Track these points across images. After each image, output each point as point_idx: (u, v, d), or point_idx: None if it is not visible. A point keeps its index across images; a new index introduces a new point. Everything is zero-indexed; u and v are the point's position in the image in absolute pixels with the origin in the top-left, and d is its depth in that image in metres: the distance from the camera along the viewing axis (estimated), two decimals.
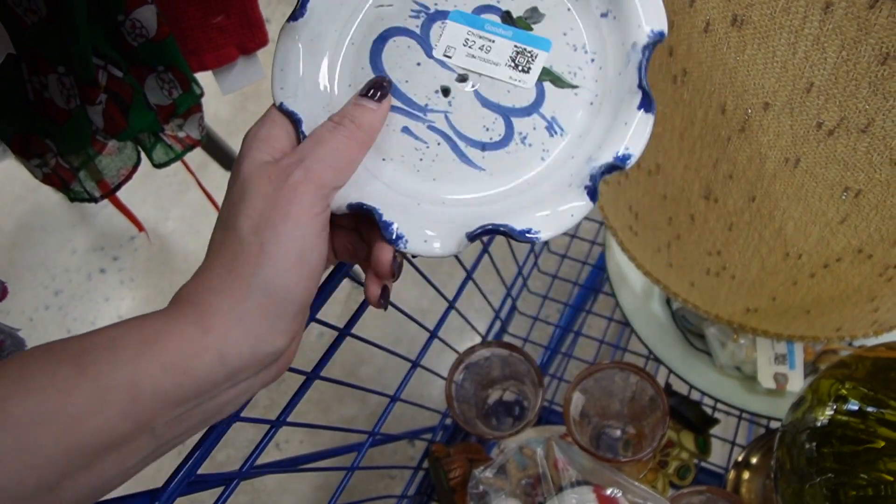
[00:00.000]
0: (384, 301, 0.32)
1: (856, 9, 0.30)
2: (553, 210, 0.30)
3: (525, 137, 0.32)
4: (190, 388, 0.26)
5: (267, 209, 0.28)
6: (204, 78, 0.60)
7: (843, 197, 0.41)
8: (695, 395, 0.72)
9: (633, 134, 0.30)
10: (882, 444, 0.46)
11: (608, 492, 0.49)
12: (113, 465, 0.25)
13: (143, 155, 0.54)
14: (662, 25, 0.30)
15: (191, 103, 0.50)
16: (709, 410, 0.73)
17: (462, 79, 0.32)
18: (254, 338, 0.27)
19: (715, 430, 0.71)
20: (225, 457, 1.21)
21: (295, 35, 0.32)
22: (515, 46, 0.32)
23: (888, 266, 0.47)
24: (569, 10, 0.32)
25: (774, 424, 0.70)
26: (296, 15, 0.32)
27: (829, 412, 0.50)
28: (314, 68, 0.33)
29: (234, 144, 1.74)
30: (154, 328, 0.26)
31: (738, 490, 0.68)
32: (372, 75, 0.33)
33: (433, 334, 0.57)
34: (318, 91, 0.33)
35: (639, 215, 0.62)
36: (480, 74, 0.32)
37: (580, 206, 0.30)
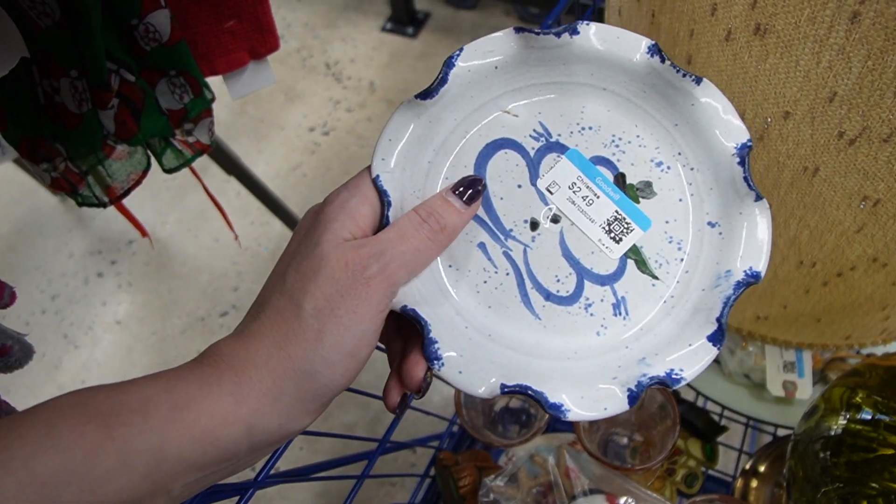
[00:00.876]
0: (401, 410, 0.31)
1: (884, 19, 0.30)
2: (590, 395, 0.28)
3: (590, 305, 0.31)
4: (213, 456, 0.26)
5: (336, 296, 0.27)
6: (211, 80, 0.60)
7: (862, 206, 0.41)
8: (701, 403, 0.72)
9: (691, 359, 0.29)
10: (893, 451, 0.46)
11: (621, 500, 0.49)
12: None
13: (153, 160, 0.54)
14: (760, 268, 0.29)
15: (202, 108, 0.50)
16: (716, 418, 0.73)
17: (555, 219, 0.32)
18: (285, 417, 0.27)
19: (722, 438, 0.71)
20: None
21: (418, 112, 0.31)
22: (617, 212, 0.31)
23: None
24: (681, 200, 0.31)
25: (782, 432, 0.70)
26: (428, 94, 0.30)
27: (841, 421, 0.50)
28: (422, 152, 0.31)
29: (234, 148, 1.73)
30: (188, 394, 0.25)
31: (746, 498, 0.68)
32: (468, 168, 0.32)
33: None
34: (415, 175, 0.31)
35: None
36: (573, 223, 0.31)
37: (617, 404, 0.28)
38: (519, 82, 0.32)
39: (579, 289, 0.31)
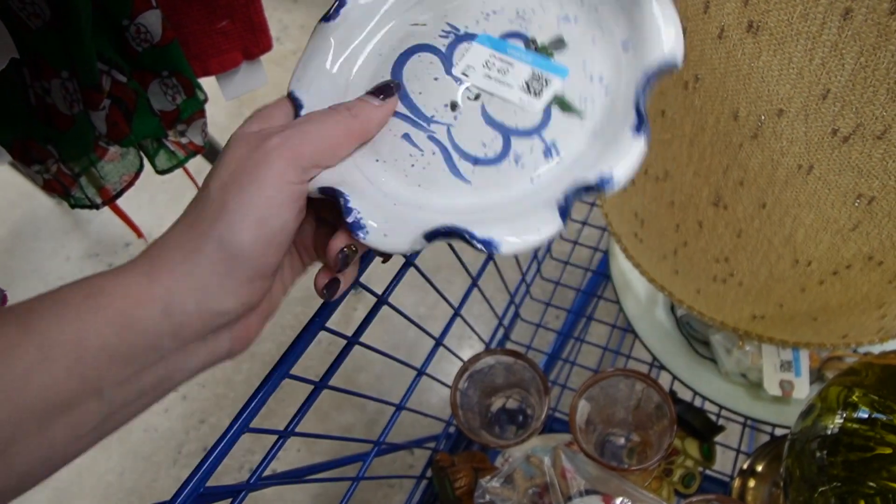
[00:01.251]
0: (327, 291, 0.32)
1: (876, 15, 0.29)
2: (520, 225, 0.29)
3: (519, 158, 0.32)
4: (134, 341, 0.25)
5: (238, 170, 0.28)
6: (203, 83, 0.59)
7: (856, 204, 0.40)
8: (698, 402, 0.72)
9: (620, 156, 0.29)
10: (890, 451, 0.46)
11: (617, 501, 0.49)
12: (64, 430, 0.24)
13: (145, 161, 0.53)
14: (675, 53, 0.30)
15: (194, 109, 0.49)
16: (713, 418, 0.72)
17: (476, 97, 0.33)
18: (200, 293, 0.27)
19: (719, 438, 0.70)
20: (221, 466, 1.20)
21: (327, 33, 0.33)
22: (532, 72, 0.33)
23: None
24: (593, 40, 0.32)
25: (779, 432, 0.70)
26: (329, 16, 0.33)
27: (838, 420, 0.50)
28: (335, 67, 0.34)
29: None
30: (101, 281, 0.26)
31: (744, 498, 0.68)
32: (386, 73, 0.34)
33: (438, 342, 0.56)
34: (332, 89, 0.33)
35: (645, 222, 0.61)
36: (492, 94, 0.33)
37: (549, 224, 0.28)
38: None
39: (506, 147, 0.32)
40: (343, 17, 0.33)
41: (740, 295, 0.58)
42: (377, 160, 0.32)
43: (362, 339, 0.43)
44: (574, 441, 0.60)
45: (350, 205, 0.30)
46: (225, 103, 1.83)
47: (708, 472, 0.72)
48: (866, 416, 0.48)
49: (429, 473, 0.67)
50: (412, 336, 1.25)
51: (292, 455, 1.19)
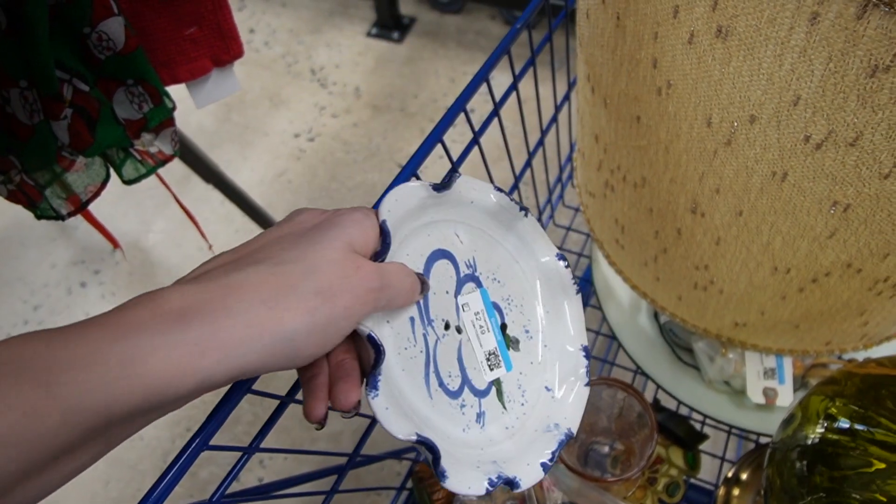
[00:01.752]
0: (321, 426, 0.32)
1: (843, 20, 0.29)
2: (460, 474, 0.35)
3: (464, 406, 0.38)
4: (159, 406, 0.25)
5: (338, 289, 0.29)
6: (182, 90, 0.58)
7: (832, 211, 0.40)
8: (683, 410, 0.71)
9: (528, 474, 0.38)
10: (875, 465, 0.45)
11: None
12: (66, 467, 0.24)
13: (112, 171, 0.52)
14: (574, 430, 0.42)
15: (162, 117, 0.48)
16: (697, 426, 0.72)
17: (458, 330, 0.39)
18: (239, 373, 0.27)
19: (704, 446, 0.70)
20: (208, 474, 1.18)
21: (420, 194, 0.38)
22: (495, 348, 0.41)
23: (877, 280, 0.46)
24: (531, 363, 0.43)
25: (765, 439, 0.69)
26: (443, 187, 0.39)
27: (819, 430, 0.49)
28: (405, 225, 0.37)
29: (218, 155, 1.72)
30: (140, 345, 0.24)
31: None
32: (421, 261, 0.38)
33: None
34: (396, 237, 0.36)
35: (625, 228, 0.61)
36: (468, 340, 0.40)
37: (479, 488, 0.35)
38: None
39: (460, 390, 0.38)
40: (445, 194, 0.39)
41: (721, 302, 0.57)
42: (387, 322, 0.35)
43: None
44: None
45: (382, 366, 0.33)
46: (213, 108, 1.82)
47: (693, 480, 0.71)
48: (847, 426, 0.47)
49: (409, 484, 0.66)
50: None
51: (279, 464, 1.18)
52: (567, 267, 0.45)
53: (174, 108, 0.50)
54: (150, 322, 0.24)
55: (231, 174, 1.61)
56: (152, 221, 1.57)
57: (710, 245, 0.51)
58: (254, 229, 1.50)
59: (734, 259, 0.50)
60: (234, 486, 1.16)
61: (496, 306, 0.42)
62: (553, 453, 0.39)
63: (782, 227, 0.43)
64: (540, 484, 0.54)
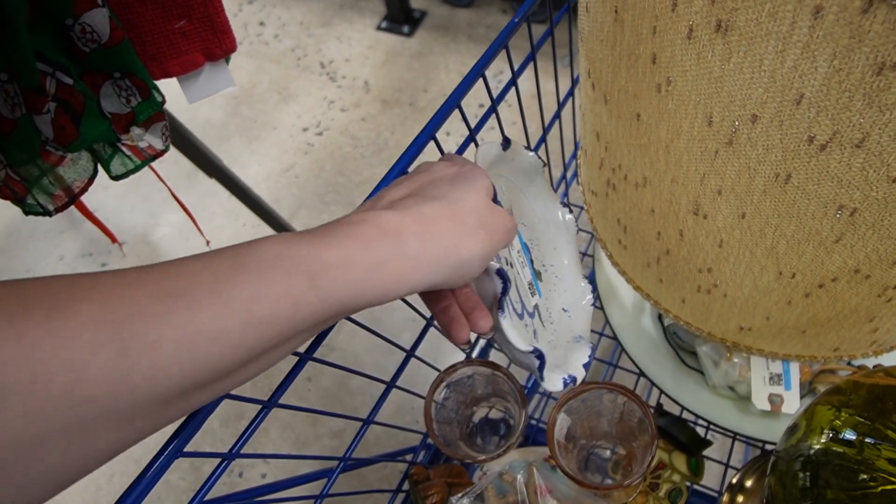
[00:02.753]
0: (470, 343, 0.41)
1: (848, 14, 0.27)
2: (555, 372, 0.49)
3: (526, 326, 0.49)
4: (382, 300, 0.30)
5: (487, 223, 0.36)
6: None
7: (838, 215, 0.38)
8: (687, 415, 0.69)
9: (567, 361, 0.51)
10: (881, 480, 0.43)
11: None
12: (223, 386, 0.27)
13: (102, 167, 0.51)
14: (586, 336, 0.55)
15: (151, 111, 0.47)
16: (702, 431, 0.70)
17: (511, 265, 0.47)
18: (429, 283, 0.33)
19: (708, 451, 0.68)
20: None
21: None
22: (531, 279, 0.51)
23: (887, 286, 0.44)
24: (550, 290, 0.55)
25: (771, 446, 0.67)
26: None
27: (823, 441, 0.47)
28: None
29: (226, 149, 1.71)
30: (381, 254, 0.30)
31: None
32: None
33: (410, 353, 0.54)
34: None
35: (627, 229, 0.59)
36: (518, 273, 0.48)
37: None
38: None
39: (522, 313, 0.48)
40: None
41: (726, 306, 0.56)
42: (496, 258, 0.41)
43: (344, 345, 0.41)
44: (552, 456, 0.57)
45: (505, 294, 0.40)
46: (221, 101, 1.81)
47: (696, 486, 0.69)
48: (853, 438, 0.45)
49: (405, 486, 0.65)
50: (408, 340, 1.22)
51: (281, 462, 1.18)
52: (570, 214, 0.55)
53: (163, 102, 0.49)
54: (381, 238, 0.30)
55: (238, 169, 1.61)
56: (160, 215, 1.57)
57: (713, 248, 0.49)
58: (260, 224, 1.49)
59: (738, 262, 0.48)
60: (229, 487, 1.16)
61: (527, 246, 0.51)
62: (589, 356, 0.51)
63: (786, 230, 0.42)
64: (534, 490, 0.52)
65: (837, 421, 0.46)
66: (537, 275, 0.52)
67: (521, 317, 0.47)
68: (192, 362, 0.23)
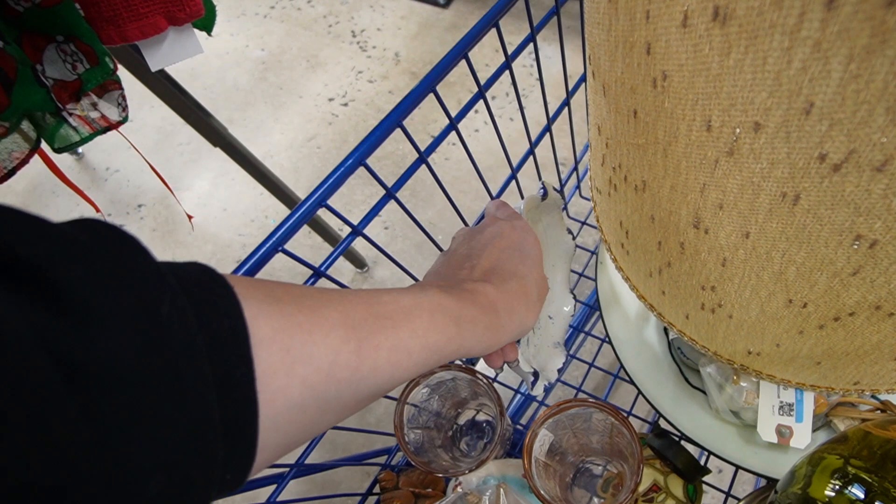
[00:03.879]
0: (502, 369, 0.48)
1: (869, 6, 0.21)
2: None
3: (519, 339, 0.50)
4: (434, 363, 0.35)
5: (541, 299, 0.47)
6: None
7: (855, 246, 0.32)
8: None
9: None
10: None
11: None
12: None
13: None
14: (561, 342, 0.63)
15: (101, 79, 0.43)
16: (702, 455, 0.64)
17: None
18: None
19: (709, 477, 0.62)
20: None
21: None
22: None
23: None
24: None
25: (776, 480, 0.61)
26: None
27: (827, 493, 0.42)
28: None
29: (250, 115, 1.68)
30: (478, 324, 0.38)
31: None
32: None
33: None
34: None
35: (629, 234, 0.53)
36: None
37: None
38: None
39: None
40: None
41: (731, 328, 0.50)
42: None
43: None
44: (525, 474, 0.53)
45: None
46: (249, 66, 1.78)
47: None
48: (861, 495, 0.40)
49: (377, 489, 0.61)
50: None
51: None
52: (573, 239, 0.63)
53: (115, 69, 0.45)
54: (488, 308, 0.38)
55: (261, 136, 1.58)
56: (179, 178, 1.56)
57: (716, 265, 0.43)
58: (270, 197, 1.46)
59: (743, 284, 0.43)
60: None
61: None
62: (564, 363, 0.60)
63: (796, 256, 0.36)
64: None
65: (843, 474, 0.40)
66: None
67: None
68: (391, 366, 0.29)
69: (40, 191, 1.60)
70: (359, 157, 0.39)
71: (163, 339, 0.20)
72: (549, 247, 0.61)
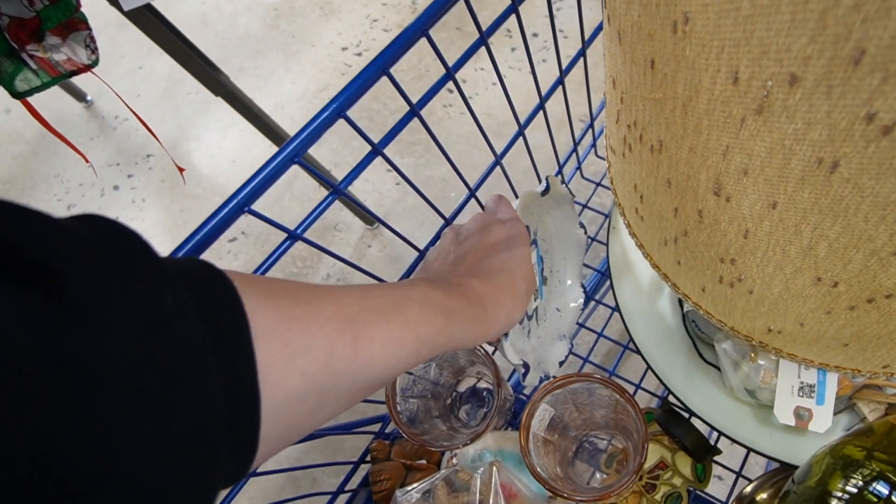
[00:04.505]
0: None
1: None
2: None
3: (524, 328, 0.58)
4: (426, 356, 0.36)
5: (528, 294, 0.46)
6: None
7: None
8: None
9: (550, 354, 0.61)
10: None
11: None
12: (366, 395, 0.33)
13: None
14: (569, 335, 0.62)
15: (61, 17, 0.39)
16: (712, 433, 0.61)
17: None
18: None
19: (719, 457, 0.59)
20: None
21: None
22: (537, 286, 0.59)
23: None
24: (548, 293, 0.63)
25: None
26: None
27: (845, 487, 0.38)
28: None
29: (261, 64, 1.63)
30: (476, 317, 0.39)
31: None
32: None
33: None
34: None
35: (644, 198, 0.49)
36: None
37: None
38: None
39: (523, 318, 0.56)
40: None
41: (751, 304, 0.46)
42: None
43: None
44: (522, 449, 0.50)
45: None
46: (261, 13, 1.72)
47: (699, 492, 0.61)
48: (886, 492, 0.36)
49: (369, 458, 0.59)
50: None
51: None
52: (584, 232, 0.61)
53: (77, 7, 0.41)
54: (476, 301, 0.39)
55: (272, 86, 1.54)
56: (188, 128, 1.52)
57: (737, 237, 0.39)
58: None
59: (766, 259, 0.38)
60: None
61: (540, 258, 0.59)
62: (566, 355, 0.59)
63: (829, 231, 0.32)
64: (494, 490, 0.45)
65: (865, 469, 0.37)
66: (544, 280, 0.60)
67: (519, 322, 0.55)
68: (384, 357, 0.30)
69: (49, 139, 1.58)
70: (338, 109, 0.35)
71: (167, 333, 0.20)
72: (560, 240, 0.60)
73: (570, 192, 0.58)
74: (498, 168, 0.60)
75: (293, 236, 0.38)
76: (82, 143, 1.55)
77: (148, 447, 0.18)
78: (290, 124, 1.48)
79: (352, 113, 0.41)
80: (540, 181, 0.65)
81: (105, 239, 0.20)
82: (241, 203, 0.32)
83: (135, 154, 1.51)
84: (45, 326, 0.17)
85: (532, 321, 0.57)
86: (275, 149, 1.38)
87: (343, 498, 0.58)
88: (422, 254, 0.56)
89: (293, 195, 1.37)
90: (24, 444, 0.15)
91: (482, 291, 0.40)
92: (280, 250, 0.38)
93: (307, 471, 1.05)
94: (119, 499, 0.17)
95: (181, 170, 0.76)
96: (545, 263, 0.60)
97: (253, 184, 0.32)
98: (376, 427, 0.60)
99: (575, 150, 0.70)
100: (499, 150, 0.58)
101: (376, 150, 0.42)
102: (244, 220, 1.36)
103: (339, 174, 1.40)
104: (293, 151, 0.34)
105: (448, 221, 0.57)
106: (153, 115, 1.55)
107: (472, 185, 0.58)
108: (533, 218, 0.57)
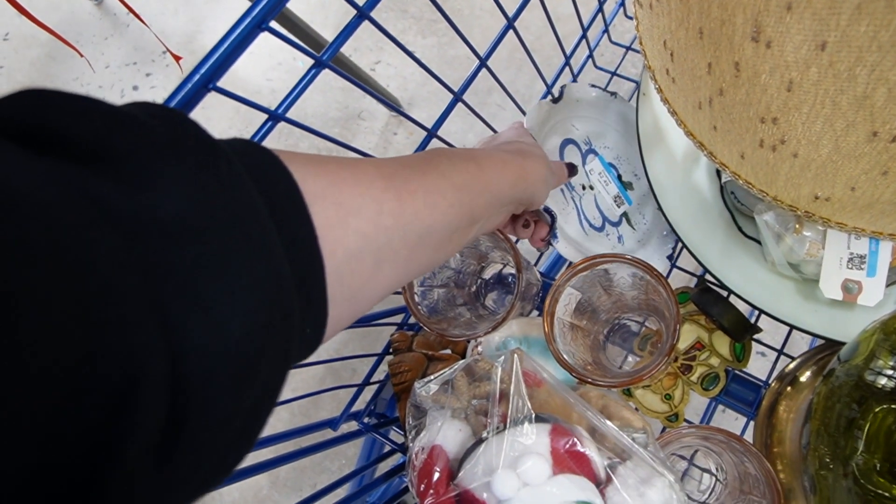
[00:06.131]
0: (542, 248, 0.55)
1: None
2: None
3: (608, 235, 0.62)
4: (508, 202, 0.40)
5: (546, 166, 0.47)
6: None
7: None
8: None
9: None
10: None
11: (562, 442, 0.37)
12: (449, 248, 0.34)
13: None
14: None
15: None
16: (752, 311, 0.58)
17: (591, 188, 0.62)
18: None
19: (760, 335, 0.56)
20: None
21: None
22: (618, 194, 0.63)
23: None
24: (644, 195, 0.65)
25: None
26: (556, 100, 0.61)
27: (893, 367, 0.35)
28: (551, 133, 0.61)
29: None
30: (517, 165, 0.41)
31: (775, 408, 0.55)
32: (557, 152, 0.61)
33: None
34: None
35: (674, 55, 0.43)
36: (598, 192, 0.62)
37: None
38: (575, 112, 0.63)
39: (603, 226, 0.61)
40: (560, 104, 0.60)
41: (796, 169, 0.41)
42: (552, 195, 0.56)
43: None
44: (547, 335, 0.48)
45: (557, 223, 0.53)
46: None
47: (737, 372, 0.58)
48: None
49: (391, 350, 0.58)
50: None
51: None
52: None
53: None
54: (503, 150, 0.42)
55: None
56: (202, 21, 1.46)
57: (780, 91, 0.34)
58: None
59: (813, 114, 0.33)
60: None
61: (612, 165, 0.63)
62: (672, 248, 0.62)
63: (890, 73, 0.26)
64: (515, 379, 0.43)
65: None
66: (628, 186, 0.63)
67: (601, 229, 0.60)
68: (429, 208, 0.30)
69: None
70: None
71: (226, 196, 0.20)
72: (626, 141, 0.63)
73: (607, 92, 0.60)
74: (514, 37, 0.54)
75: (274, 116, 0.34)
76: (97, 43, 1.50)
77: (217, 300, 0.19)
78: (307, 9, 1.40)
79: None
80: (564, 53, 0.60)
81: (157, 118, 0.20)
82: (203, 80, 0.29)
83: (150, 51, 1.46)
84: (98, 194, 0.17)
85: (622, 226, 0.62)
86: (289, 36, 1.31)
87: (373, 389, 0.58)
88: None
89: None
90: (89, 310, 0.15)
91: (508, 148, 0.43)
92: (262, 131, 0.35)
93: (347, 362, 1.06)
94: (201, 349, 0.18)
95: (177, 58, 0.72)
96: (622, 169, 0.63)
97: (215, 56, 0.29)
98: (399, 318, 0.58)
99: (600, 9, 0.63)
100: (520, 21, 0.52)
101: (362, 14, 0.37)
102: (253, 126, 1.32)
103: (358, 61, 1.33)
104: (257, 17, 0.30)
105: (458, 96, 0.52)
106: (165, 9, 1.49)
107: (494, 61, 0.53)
108: (576, 127, 0.60)
